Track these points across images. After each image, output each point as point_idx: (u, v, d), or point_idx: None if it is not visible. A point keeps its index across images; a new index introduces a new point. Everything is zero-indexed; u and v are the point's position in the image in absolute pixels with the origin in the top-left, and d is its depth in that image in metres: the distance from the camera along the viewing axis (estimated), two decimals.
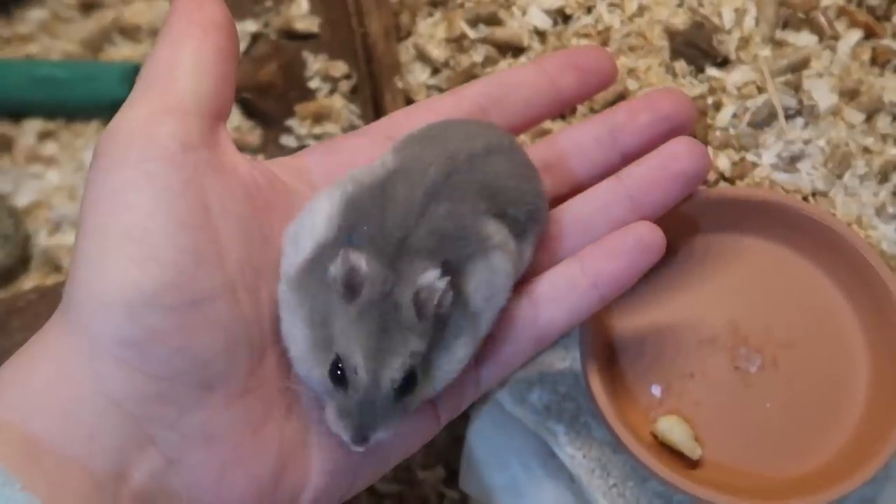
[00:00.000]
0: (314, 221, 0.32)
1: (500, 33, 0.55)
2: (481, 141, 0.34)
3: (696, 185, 0.39)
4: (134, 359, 0.29)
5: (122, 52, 0.59)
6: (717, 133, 0.51)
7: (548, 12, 0.56)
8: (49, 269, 0.53)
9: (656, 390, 0.43)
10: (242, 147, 0.55)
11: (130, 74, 0.55)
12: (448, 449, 0.52)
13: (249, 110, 0.56)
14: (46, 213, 0.54)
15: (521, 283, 0.36)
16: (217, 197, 0.31)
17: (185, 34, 0.32)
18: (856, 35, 0.53)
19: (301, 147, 0.51)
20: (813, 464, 0.41)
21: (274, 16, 0.58)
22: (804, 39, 0.54)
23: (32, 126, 0.57)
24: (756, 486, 0.40)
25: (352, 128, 0.54)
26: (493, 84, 0.40)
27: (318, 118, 0.55)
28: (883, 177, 0.49)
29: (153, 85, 0.32)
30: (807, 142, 0.50)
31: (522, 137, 0.51)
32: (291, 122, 0.56)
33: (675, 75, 0.53)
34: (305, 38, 0.58)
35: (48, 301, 0.44)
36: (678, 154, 0.38)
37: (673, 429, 0.41)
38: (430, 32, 0.57)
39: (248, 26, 0.58)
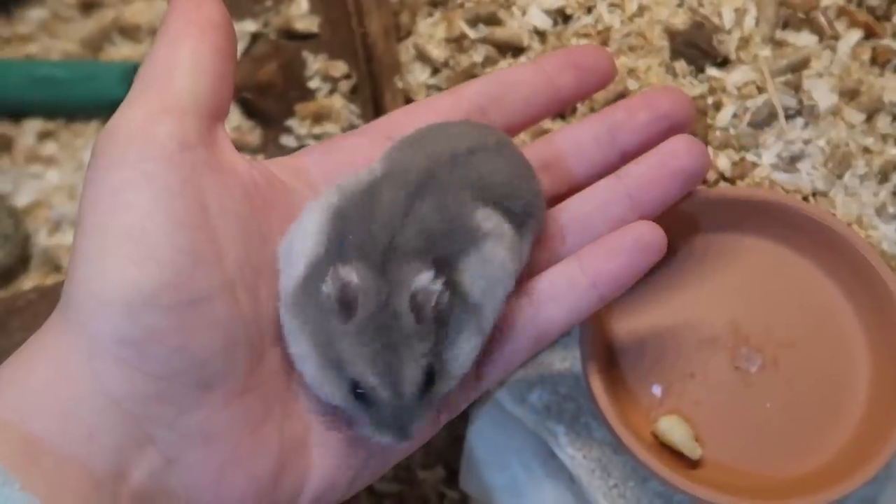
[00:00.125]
0: (303, 238, 0.32)
1: (499, 33, 0.55)
2: (465, 141, 0.34)
3: (696, 183, 0.39)
4: (133, 358, 0.29)
5: (121, 51, 0.59)
6: (718, 133, 0.51)
7: (548, 12, 0.56)
8: (49, 269, 0.53)
9: (657, 390, 0.42)
10: (242, 147, 0.55)
11: (130, 74, 0.55)
12: (448, 449, 0.52)
13: (249, 110, 0.56)
14: (46, 212, 0.54)
15: (520, 282, 0.36)
16: (215, 196, 0.31)
17: (183, 34, 0.32)
18: (856, 35, 0.53)
19: (301, 147, 0.51)
20: (813, 464, 0.41)
21: (273, 15, 0.58)
22: (804, 39, 0.54)
23: (32, 126, 0.57)
24: (756, 486, 0.40)
25: (352, 128, 0.54)
26: (491, 83, 0.40)
27: (318, 118, 0.55)
28: (883, 177, 0.49)
29: (151, 85, 0.32)
30: (807, 142, 0.50)
31: (522, 137, 0.51)
32: (291, 122, 0.56)
33: (675, 75, 0.53)
34: (305, 37, 0.58)
35: (48, 301, 0.44)
36: (677, 152, 0.38)
37: (673, 429, 0.41)
38: (430, 32, 0.57)
39: (248, 26, 0.58)
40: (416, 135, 0.35)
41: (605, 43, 0.55)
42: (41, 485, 0.27)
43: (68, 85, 0.56)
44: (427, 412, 0.31)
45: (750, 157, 0.50)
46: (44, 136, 0.57)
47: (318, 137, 0.55)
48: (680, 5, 0.55)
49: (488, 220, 0.33)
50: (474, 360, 0.33)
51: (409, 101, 0.54)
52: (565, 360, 0.46)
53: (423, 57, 0.56)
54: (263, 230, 0.33)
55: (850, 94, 0.51)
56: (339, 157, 0.37)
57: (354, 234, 0.31)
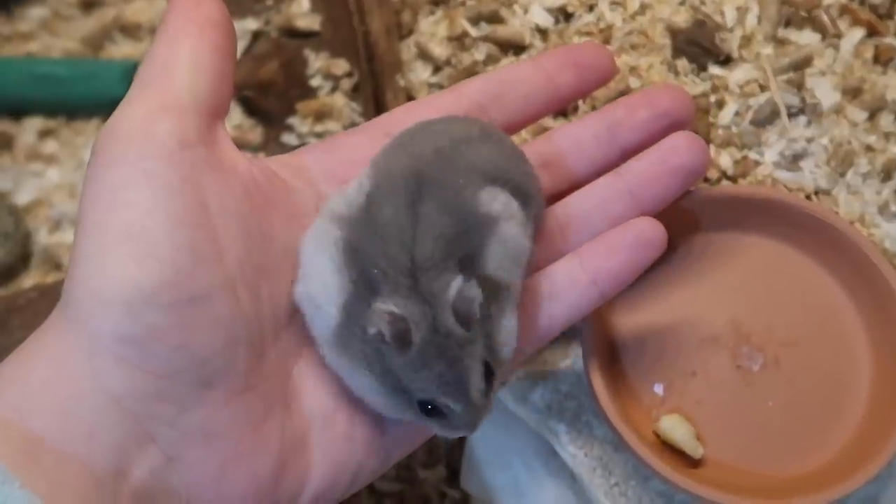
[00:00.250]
0: (324, 283, 0.32)
1: (501, 31, 0.55)
2: (447, 135, 0.34)
3: (696, 180, 0.39)
4: (133, 356, 0.29)
5: (122, 50, 0.59)
6: (720, 131, 0.51)
7: (549, 10, 0.56)
8: (49, 268, 0.53)
9: (658, 389, 0.42)
10: (243, 145, 0.55)
11: (131, 72, 0.55)
12: (449, 448, 0.52)
13: (250, 108, 0.56)
14: (47, 211, 0.54)
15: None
16: (215, 194, 0.31)
17: (183, 32, 0.32)
18: (858, 33, 0.53)
19: (302, 145, 0.51)
20: (815, 463, 0.41)
21: (275, 14, 0.58)
22: (806, 38, 0.54)
23: (33, 124, 0.57)
24: (758, 485, 0.40)
25: (353, 126, 0.54)
26: (491, 81, 0.40)
27: (320, 116, 0.55)
28: (886, 175, 0.49)
29: (151, 83, 0.32)
30: (809, 140, 0.50)
31: (523, 135, 0.51)
32: (293, 121, 0.55)
33: (677, 73, 0.53)
34: (307, 36, 0.58)
35: (48, 299, 0.45)
36: (678, 148, 0.38)
37: (675, 428, 0.41)
38: (432, 30, 0.57)
39: (249, 24, 0.58)
40: (400, 138, 0.35)
41: (606, 41, 0.55)
42: (41, 483, 0.27)
43: (69, 83, 0.56)
44: (491, 402, 0.32)
45: (752, 155, 0.50)
46: (44, 134, 0.57)
47: (319, 136, 0.55)
48: (682, 3, 0.55)
49: (495, 200, 0.33)
50: (516, 336, 0.33)
51: (410, 99, 0.54)
52: (567, 359, 0.46)
53: (424, 55, 0.56)
54: (264, 228, 0.33)
55: (852, 93, 0.51)
56: (340, 155, 0.37)
57: (374, 263, 0.31)
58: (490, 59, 0.55)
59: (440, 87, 0.55)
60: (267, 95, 0.56)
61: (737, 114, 0.51)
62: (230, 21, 0.34)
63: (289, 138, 0.55)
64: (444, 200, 0.32)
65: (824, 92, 0.51)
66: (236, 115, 0.56)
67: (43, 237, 0.54)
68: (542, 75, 0.39)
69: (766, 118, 0.51)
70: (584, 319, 0.41)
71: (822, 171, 0.49)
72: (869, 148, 0.50)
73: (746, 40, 0.53)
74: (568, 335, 0.46)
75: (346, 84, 0.56)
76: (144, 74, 0.32)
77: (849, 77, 0.52)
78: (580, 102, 0.53)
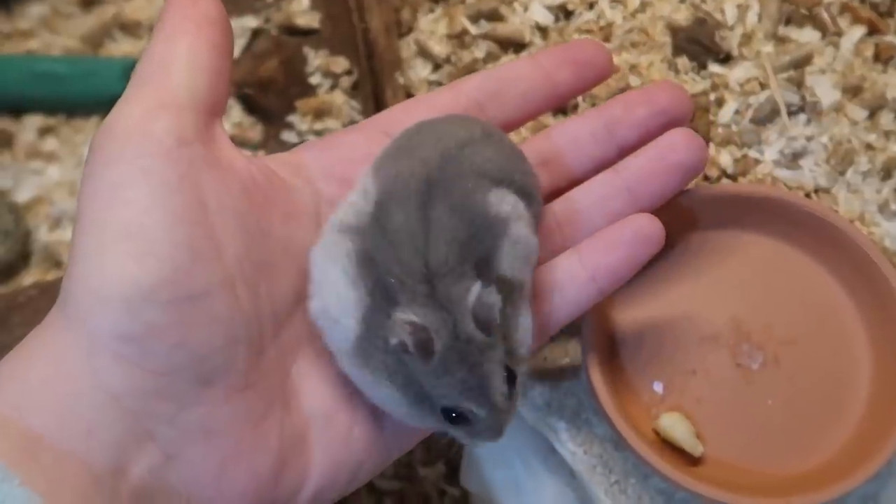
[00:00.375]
0: (339, 296, 0.32)
1: (501, 29, 0.55)
2: (452, 138, 0.34)
3: (694, 177, 0.39)
4: (132, 354, 0.29)
5: (122, 47, 0.59)
6: (720, 129, 0.51)
7: (549, 8, 0.56)
8: (49, 265, 0.53)
9: (658, 387, 0.42)
10: (243, 143, 0.55)
11: (130, 70, 0.54)
12: (449, 446, 0.52)
13: (250, 106, 0.56)
14: (47, 208, 0.54)
15: None
16: (213, 192, 0.31)
17: (180, 30, 0.32)
18: (859, 31, 0.53)
19: (302, 143, 0.51)
20: (815, 461, 0.41)
21: (275, 11, 0.58)
22: (807, 36, 0.54)
23: (33, 122, 0.57)
24: (758, 483, 0.40)
25: (352, 124, 0.54)
26: (489, 79, 0.40)
27: (319, 114, 0.55)
28: (886, 173, 0.49)
29: (148, 81, 0.32)
30: (809, 138, 0.50)
31: (523, 133, 0.51)
32: (292, 118, 0.55)
33: (677, 71, 0.53)
34: (306, 33, 0.58)
35: (48, 297, 0.45)
36: (675, 145, 0.38)
37: (675, 426, 0.41)
38: (432, 28, 0.57)
39: (249, 22, 0.58)
40: (402, 140, 0.35)
41: (606, 39, 0.54)
42: (41, 481, 0.27)
43: (69, 81, 0.56)
44: (515, 407, 0.32)
45: (752, 153, 0.50)
46: (44, 131, 0.57)
47: (319, 133, 0.55)
48: (682, 1, 0.55)
49: (503, 201, 0.33)
50: (531, 332, 0.34)
51: (410, 97, 0.54)
52: (566, 356, 0.46)
53: (424, 53, 0.56)
54: (262, 226, 0.33)
55: (852, 91, 0.51)
56: (338, 153, 0.37)
57: (389, 271, 0.31)
58: (490, 57, 0.55)
59: (440, 84, 0.55)
60: (266, 93, 0.56)
61: (737, 112, 0.51)
62: (227, 19, 0.34)
63: (288, 136, 0.55)
64: (454, 204, 0.32)
65: (824, 90, 0.51)
66: (236, 112, 0.56)
67: (43, 235, 0.54)
68: (540, 73, 0.39)
69: (766, 116, 0.51)
70: (584, 317, 0.41)
71: (822, 169, 0.49)
72: (869, 146, 0.50)
73: (747, 38, 0.53)
74: (568, 333, 0.46)
75: (346, 82, 0.56)
76: (142, 72, 0.32)
77: (849, 75, 0.52)
78: (580, 100, 0.53)
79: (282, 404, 0.33)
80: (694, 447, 0.40)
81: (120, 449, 0.29)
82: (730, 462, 0.41)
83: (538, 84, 0.39)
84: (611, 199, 0.38)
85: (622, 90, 0.52)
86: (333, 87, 0.56)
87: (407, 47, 0.57)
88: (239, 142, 0.55)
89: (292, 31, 0.58)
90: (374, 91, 0.55)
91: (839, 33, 0.53)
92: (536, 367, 0.45)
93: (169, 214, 0.29)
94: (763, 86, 0.52)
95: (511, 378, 0.31)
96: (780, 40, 0.54)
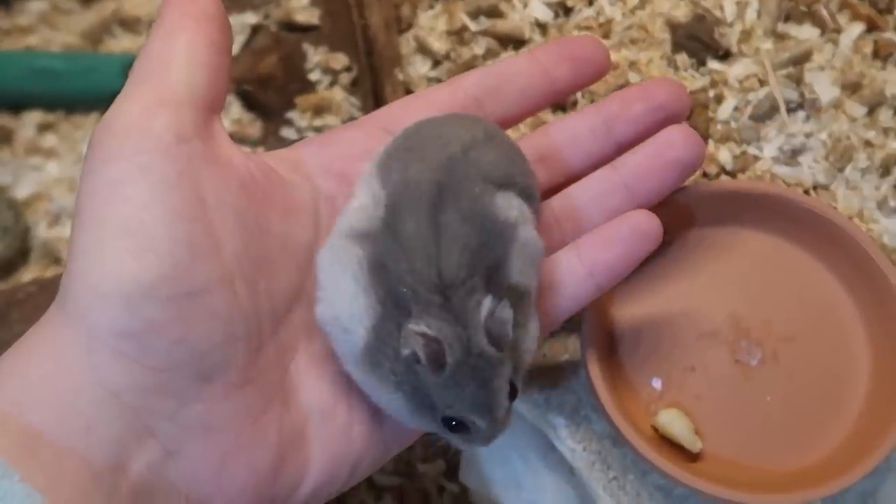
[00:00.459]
0: (349, 303, 0.32)
1: (501, 26, 0.55)
2: (458, 141, 0.34)
3: (692, 173, 0.39)
4: (132, 350, 0.29)
5: (121, 43, 0.59)
6: (719, 126, 0.51)
7: (549, 4, 0.56)
8: (49, 262, 0.53)
9: (657, 383, 0.42)
10: (243, 139, 0.55)
11: (130, 66, 0.54)
12: (449, 443, 0.52)
13: (250, 102, 0.56)
14: (46, 205, 0.54)
15: None
16: (212, 188, 0.31)
17: (179, 27, 0.32)
18: (858, 28, 0.53)
19: (301, 140, 0.51)
20: (814, 457, 0.41)
21: (274, 7, 0.58)
22: (806, 32, 0.54)
23: (32, 118, 0.57)
24: (756, 479, 0.40)
25: (352, 120, 0.54)
26: (487, 75, 0.40)
27: (319, 110, 0.55)
28: (885, 170, 0.49)
29: (147, 78, 0.32)
30: (808, 135, 0.50)
31: (521, 129, 0.51)
32: (292, 115, 0.55)
33: (676, 68, 0.53)
34: (306, 30, 0.58)
35: (48, 293, 0.45)
36: (673, 142, 0.38)
37: (673, 422, 0.41)
38: (431, 25, 0.57)
39: (249, 18, 0.58)
40: (405, 142, 0.35)
41: (606, 35, 0.54)
42: (40, 477, 0.27)
43: (68, 77, 0.56)
44: (510, 418, 0.32)
45: (751, 150, 0.50)
46: (44, 128, 0.57)
47: (318, 130, 0.55)
48: None
49: (510, 206, 0.34)
50: (537, 337, 0.34)
51: (409, 93, 0.54)
52: (565, 353, 0.46)
53: (423, 49, 0.56)
54: (261, 222, 0.33)
55: (851, 88, 0.51)
56: (337, 150, 0.37)
57: (402, 280, 0.31)
58: (489, 54, 0.55)
59: (439, 81, 0.55)
60: (266, 90, 0.56)
61: (736, 109, 0.51)
62: (226, 15, 0.34)
63: (288, 132, 0.55)
64: (463, 210, 0.32)
65: (823, 87, 0.51)
66: (235, 109, 0.56)
67: (42, 231, 0.54)
68: (538, 69, 0.39)
69: (766, 113, 0.51)
70: (583, 314, 0.41)
71: (821, 166, 0.49)
72: (868, 143, 0.50)
73: (746, 35, 0.53)
74: (567, 329, 0.46)
75: (345, 78, 0.56)
76: (140, 69, 0.32)
77: (848, 72, 0.52)
78: (580, 97, 0.53)
79: (281, 400, 0.33)
80: (692, 443, 0.40)
81: (120, 445, 0.29)
82: (728, 458, 0.41)
83: (536, 80, 0.39)
84: (609, 195, 0.38)
85: (621, 87, 0.52)
86: (333, 84, 0.56)
87: (406, 44, 0.57)
88: (238, 138, 0.55)
89: (292, 27, 0.58)
90: (374, 87, 0.55)
91: (838, 30, 0.53)
92: (536, 364, 0.45)
93: (168, 211, 0.29)
94: (762, 82, 0.52)
95: (512, 392, 0.32)
96: (780, 37, 0.54)
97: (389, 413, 0.33)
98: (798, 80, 0.51)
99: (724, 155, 0.50)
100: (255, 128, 0.55)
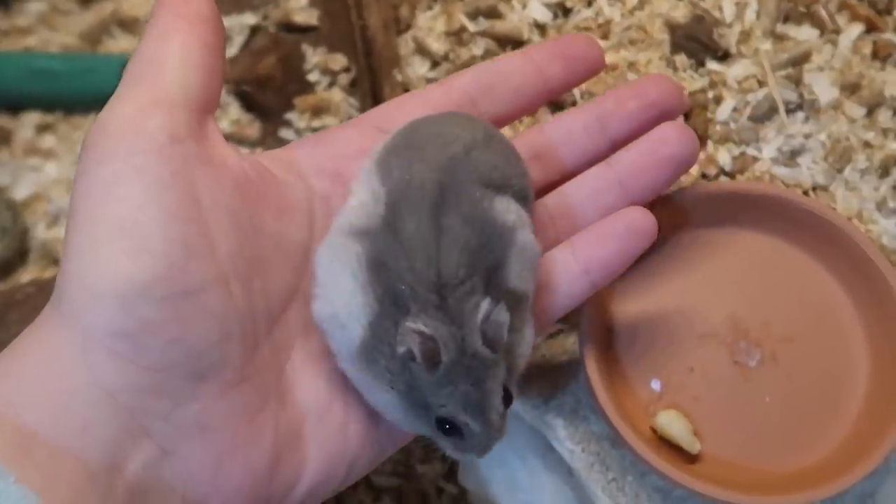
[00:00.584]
0: (347, 300, 0.32)
1: (499, 26, 0.55)
2: (459, 141, 0.34)
3: (686, 170, 0.39)
4: (127, 350, 0.29)
5: (120, 44, 0.59)
6: (718, 127, 0.51)
7: (548, 5, 0.56)
8: (47, 262, 0.53)
9: (656, 384, 0.42)
10: (241, 140, 0.55)
11: None
12: None
13: (248, 103, 0.56)
14: (45, 205, 0.55)
15: None
16: (207, 189, 0.31)
17: (172, 28, 0.32)
18: (857, 29, 0.53)
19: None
20: (813, 458, 0.41)
21: (273, 8, 0.58)
22: (805, 33, 0.54)
23: (30, 119, 0.57)
24: (755, 480, 0.40)
25: None
26: (481, 74, 0.40)
27: (317, 111, 0.55)
28: (884, 171, 0.49)
29: (141, 79, 0.32)
30: (807, 136, 0.50)
31: (521, 127, 0.51)
32: (290, 116, 0.55)
33: (675, 69, 0.53)
34: (304, 30, 0.58)
35: (46, 294, 0.45)
36: (667, 139, 0.38)
37: (672, 423, 0.41)
38: (430, 25, 0.57)
39: (247, 19, 0.58)
40: (405, 139, 0.35)
41: (605, 36, 0.54)
42: (36, 477, 0.27)
43: (67, 78, 0.56)
44: (506, 427, 0.32)
45: (750, 151, 0.50)
46: (42, 128, 0.57)
47: (317, 131, 0.55)
48: None
49: (508, 211, 0.34)
50: (532, 346, 0.34)
51: None
52: (564, 354, 0.46)
53: (422, 50, 0.56)
54: (255, 222, 0.33)
55: (850, 89, 0.51)
56: (331, 149, 0.37)
57: (401, 280, 0.31)
58: (488, 55, 0.55)
59: None
60: (265, 90, 0.56)
61: (735, 109, 0.51)
62: (219, 17, 0.34)
63: (286, 133, 0.55)
64: (464, 213, 0.32)
65: (822, 88, 0.51)
66: (234, 110, 0.56)
67: (41, 232, 0.54)
68: (532, 67, 0.40)
69: (764, 114, 0.51)
70: (582, 315, 0.41)
71: (820, 167, 0.49)
72: (867, 144, 0.50)
73: (745, 36, 0.53)
74: (566, 330, 0.46)
75: (344, 79, 0.56)
76: (134, 70, 0.32)
77: (847, 73, 0.52)
78: (578, 98, 0.53)
79: (277, 399, 0.33)
80: (691, 445, 0.40)
81: (115, 445, 0.29)
82: (727, 459, 0.41)
83: (530, 79, 0.39)
84: (603, 192, 0.38)
85: None
86: (332, 85, 0.56)
87: (405, 44, 0.57)
88: (237, 139, 0.55)
89: (290, 28, 0.58)
90: (373, 88, 0.55)
91: (837, 31, 0.53)
92: (534, 365, 0.45)
93: (163, 211, 0.29)
94: (761, 83, 0.52)
95: (507, 398, 0.32)
96: (779, 38, 0.53)
97: (384, 414, 0.33)
98: (797, 81, 0.51)
99: (723, 156, 0.50)
100: (253, 128, 0.55)
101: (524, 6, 0.56)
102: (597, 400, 0.40)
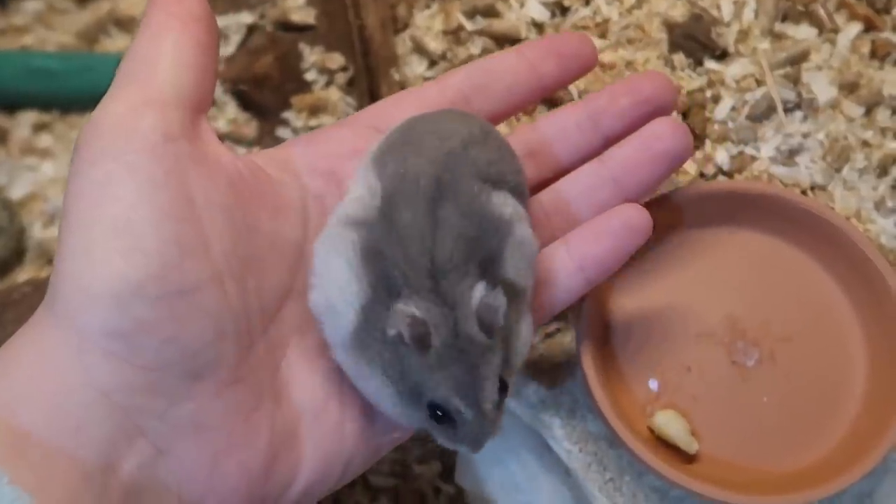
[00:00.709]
0: (342, 288, 0.32)
1: (497, 25, 0.55)
2: (456, 136, 0.34)
3: (680, 165, 0.39)
4: (122, 350, 0.29)
5: (117, 43, 0.59)
6: (716, 126, 0.51)
7: (545, 4, 0.56)
8: (44, 262, 0.53)
9: (653, 384, 0.42)
10: (238, 139, 0.55)
11: None
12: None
13: (245, 102, 0.56)
14: (41, 205, 0.54)
15: None
16: (200, 188, 0.31)
17: (165, 28, 0.32)
18: (855, 28, 0.53)
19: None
20: (810, 458, 0.41)
21: (270, 7, 0.58)
22: (803, 32, 0.54)
23: (27, 118, 0.57)
24: (753, 480, 0.40)
25: None
26: (475, 72, 0.40)
27: (315, 110, 0.55)
28: (882, 170, 0.49)
29: (133, 78, 0.32)
30: (806, 135, 0.50)
31: (519, 122, 0.51)
32: (288, 115, 0.55)
33: (673, 68, 0.53)
34: (302, 29, 0.58)
35: (42, 293, 0.44)
36: (660, 134, 0.38)
37: (670, 423, 0.41)
38: (428, 24, 0.57)
39: (244, 18, 0.58)
40: (402, 135, 0.35)
41: (603, 35, 0.54)
42: (29, 478, 0.27)
43: (64, 77, 0.56)
44: (500, 420, 0.32)
45: (748, 150, 0.50)
46: (39, 128, 0.57)
47: (314, 130, 0.55)
48: None
49: (506, 204, 0.34)
50: (531, 341, 0.34)
51: None
52: (561, 353, 0.46)
53: (420, 49, 0.56)
54: (249, 221, 0.33)
55: (849, 88, 0.51)
56: (325, 148, 0.37)
57: (395, 267, 0.31)
58: (486, 53, 0.55)
59: None
60: (262, 89, 0.56)
61: (733, 109, 0.51)
62: (212, 15, 0.34)
63: (284, 132, 0.55)
64: (462, 206, 0.32)
65: (821, 87, 0.51)
66: (231, 109, 0.56)
67: (37, 231, 0.54)
68: (525, 65, 0.40)
69: (763, 113, 0.51)
70: (579, 314, 0.41)
71: (818, 166, 0.49)
72: (865, 143, 0.50)
73: (743, 35, 0.53)
74: (563, 329, 0.46)
75: (341, 78, 0.56)
76: (127, 70, 0.32)
77: (845, 72, 0.52)
78: (576, 96, 0.53)
79: (272, 398, 0.33)
80: (689, 445, 0.40)
81: (110, 445, 0.28)
82: (725, 459, 0.41)
83: (523, 77, 0.40)
84: (597, 189, 0.38)
85: None
86: (329, 84, 0.56)
87: (403, 44, 0.57)
88: (234, 138, 0.55)
89: (288, 27, 0.58)
90: (370, 87, 0.54)
91: (836, 30, 0.53)
92: (532, 364, 0.45)
93: (156, 210, 0.29)
94: (759, 82, 0.52)
95: (503, 388, 0.31)
96: (777, 37, 0.53)
97: (377, 405, 0.33)
98: (795, 80, 0.51)
99: (721, 155, 0.50)
100: (250, 128, 0.55)
101: (522, 5, 0.56)
102: (594, 399, 0.40)
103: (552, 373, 0.45)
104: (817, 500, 0.38)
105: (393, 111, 0.38)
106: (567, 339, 0.46)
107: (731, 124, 0.51)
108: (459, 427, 0.31)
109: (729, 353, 0.43)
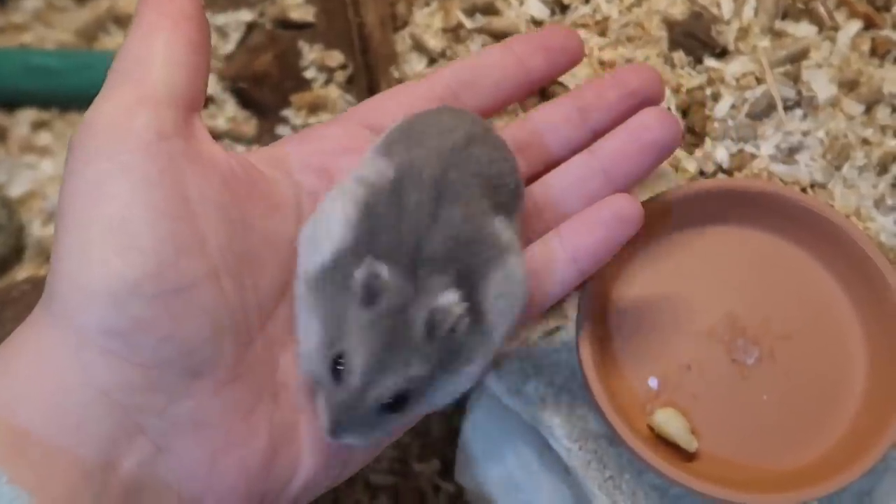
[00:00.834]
0: (330, 226, 0.32)
1: (497, 23, 0.55)
2: (459, 133, 0.34)
3: (669, 154, 0.39)
4: (120, 348, 0.29)
5: (116, 41, 0.59)
6: (716, 124, 0.51)
7: (545, 2, 0.56)
8: (43, 260, 0.53)
9: (653, 382, 0.42)
10: (237, 137, 0.55)
11: None
12: (443, 441, 0.52)
13: (244, 100, 0.56)
14: (40, 203, 0.54)
15: None
16: (195, 186, 0.31)
17: (157, 27, 0.32)
18: (855, 26, 0.53)
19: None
20: (810, 456, 0.41)
21: (269, 5, 0.58)
22: (803, 30, 0.54)
23: (26, 116, 0.57)
24: (753, 478, 0.40)
25: None
26: (463, 68, 0.40)
27: (314, 108, 0.55)
28: (882, 168, 0.49)
29: (126, 77, 0.32)
30: (805, 133, 0.50)
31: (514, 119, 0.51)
32: (287, 113, 0.55)
33: (673, 66, 0.53)
34: (301, 27, 0.58)
35: (42, 291, 0.45)
36: (648, 124, 0.38)
37: (669, 421, 0.41)
38: (427, 22, 0.57)
39: (244, 16, 0.58)
40: (408, 130, 0.35)
41: (602, 33, 0.54)
42: (29, 476, 0.27)
43: (63, 74, 0.56)
44: (370, 432, 0.31)
45: (748, 148, 0.50)
46: (38, 126, 0.57)
47: None
48: None
49: (506, 230, 0.34)
50: (465, 390, 0.33)
51: None
52: (561, 352, 0.46)
53: (419, 47, 0.56)
54: (244, 218, 0.33)
55: (849, 85, 0.51)
56: (318, 146, 0.37)
57: (384, 232, 0.31)
58: None
59: None
60: (261, 87, 0.55)
61: (733, 107, 0.51)
62: (204, 14, 0.34)
63: (283, 130, 0.55)
64: (465, 210, 0.32)
65: (821, 85, 0.51)
66: (230, 107, 0.56)
67: (36, 229, 0.54)
68: (513, 60, 0.40)
69: (763, 111, 0.51)
70: (579, 312, 0.41)
71: (818, 164, 0.49)
72: (865, 141, 0.50)
73: (743, 32, 0.53)
74: (562, 327, 0.46)
75: (341, 76, 0.56)
76: (119, 69, 0.32)
77: (845, 70, 0.52)
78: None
79: (271, 395, 0.33)
80: (688, 443, 0.40)
81: (110, 443, 0.29)
82: (725, 458, 0.41)
83: (511, 72, 0.40)
84: (587, 180, 0.39)
85: None
86: (328, 82, 0.56)
87: (402, 41, 0.56)
88: (233, 136, 0.55)
89: (287, 24, 0.58)
90: (369, 85, 0.54)
91: (836, 28, 0.53)
92: (531, 362, 0.45)
93: (151, 209, 0.30)
94: (759, 80, 0.52)
95: (396, 404, 0.31)
96: (777, 35, 0.53)
97: (300, 344, 0.33)
98: (795, 78, 0.51)
99: (721, 153, 0.50)
100: (249, 126, 0.55)
101: (521, 2, 0.56)
102: (594, 397, 0.40)
103: (551, 371, 0.45)
104: (817, 498, 0.38)
105: (384, 108, 0.38)
106: (566, 336, 0.46)
107: (730, 122, 0.51)
108: (329, 395, 0.31)
109: (729, 351, 0.43)
